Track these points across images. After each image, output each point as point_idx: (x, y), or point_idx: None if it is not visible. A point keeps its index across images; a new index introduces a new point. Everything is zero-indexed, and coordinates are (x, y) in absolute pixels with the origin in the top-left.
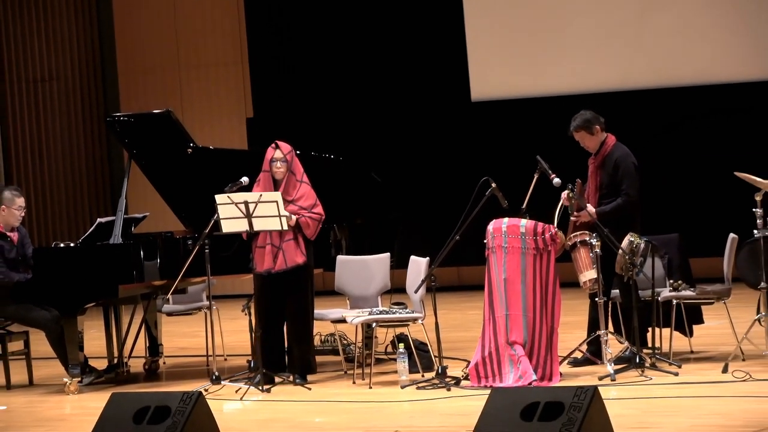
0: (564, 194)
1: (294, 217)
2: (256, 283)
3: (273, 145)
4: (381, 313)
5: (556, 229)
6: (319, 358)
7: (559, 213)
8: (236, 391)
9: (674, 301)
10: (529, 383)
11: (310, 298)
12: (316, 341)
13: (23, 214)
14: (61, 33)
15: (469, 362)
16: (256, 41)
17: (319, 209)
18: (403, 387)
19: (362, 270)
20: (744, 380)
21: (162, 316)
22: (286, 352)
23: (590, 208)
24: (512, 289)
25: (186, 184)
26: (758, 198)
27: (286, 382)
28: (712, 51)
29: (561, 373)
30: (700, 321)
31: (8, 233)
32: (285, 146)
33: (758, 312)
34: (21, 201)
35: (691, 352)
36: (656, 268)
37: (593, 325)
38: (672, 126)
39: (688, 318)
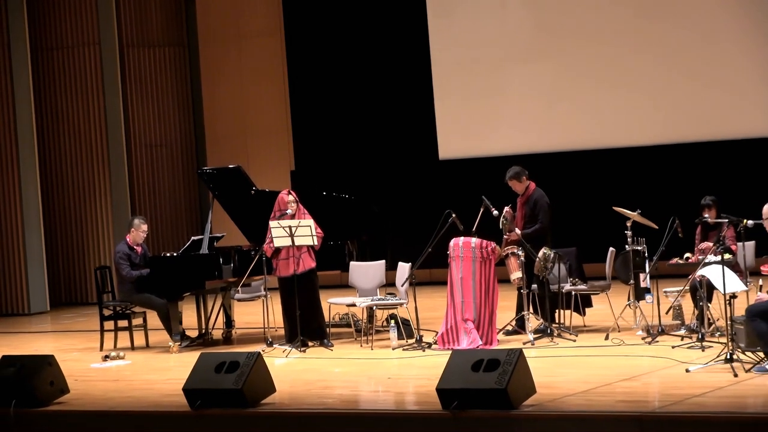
0: (506, 211)
1: None
2: (284, 283)
3: (286, 191)
4: (379, 300)
5: (495, 244)
6: (336, 330)
7: (504, 229)
8: (283, 351)
9: (573, 292)
10: (477, 347)
11: (317, 288)
12: (336, 319)
13: (145, 235)
14: (168, 112)
15: (437, 333)
16: (297, 116)
17: (320, 230)
18: (393, 349)
19: (366, 271)
20: (619, 345)
21: (234, 302)
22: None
23: (518, 230)
24: (466, 284)
25: (250, 214)
26: (629, 224)
27: (317, 345)
28: (611, 123)
29: (498, 340)
30: (590, 305)
31: (135, 247)
32: (293, 193)
33: (629, 300)
34: (145, 226)
35: (584, 326)
36: (561, 270)
37: (519, 308)
38: (574, 177)
39: (582, 303)
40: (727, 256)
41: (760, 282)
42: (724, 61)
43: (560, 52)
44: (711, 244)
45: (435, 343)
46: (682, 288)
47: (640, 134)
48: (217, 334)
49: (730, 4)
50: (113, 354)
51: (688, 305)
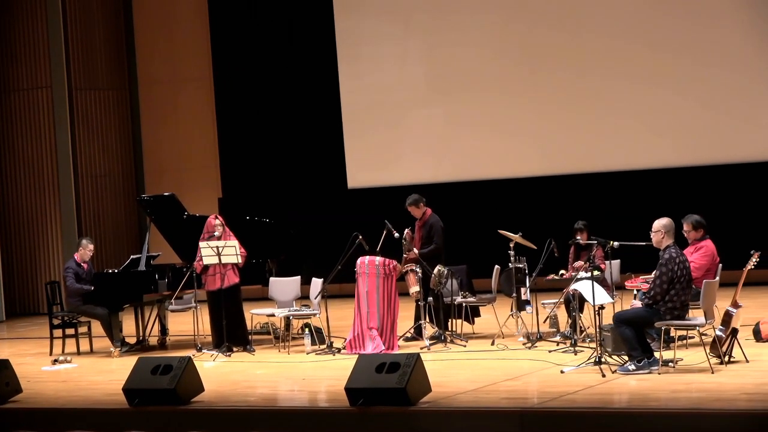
0: (406, 232)
1: None
2: (211, 296)
3: (214, 216)
4: (295, 310)
5: (396, 262)
6: (258, 337)
7: (403, 249)
8: (211, 356)
9: (463, 304)
10: (380, 351)
11: (241, 301)
12: (257, 327)
13: (92, 254)
14: (112, 147)
15: (346, 339)
16: (224, 150)
17: (243, 249)
18: (308, 353)
19: (284, 285)
20: (503, 350)
21: (168, 312)
22: (230, 332)
23: (416, 250)
24: (371, 297)
25: (182, 235)
26: (511, 245)
27: (241, 350)
28: (496, 157)
29: (399, 345)
30: (478, 315)
31: (83, 264)
32: (220, 217)
33: (511, 310)
34: (91, 246)
35: (473, 333)
36: (453, 284)
37: (417, 318)
38: (465, 203)
39: (471, 313)
40: (596, 272)
41: (634, 291)
42: (589, 103)
43: (450, 97)
44: (583, 262)
45: (344, 348)
46: (557, 300)
47: (519, 168)
48: (153, 340)
49: (608, 41)
50: (62, 358)
51: (562, 315)
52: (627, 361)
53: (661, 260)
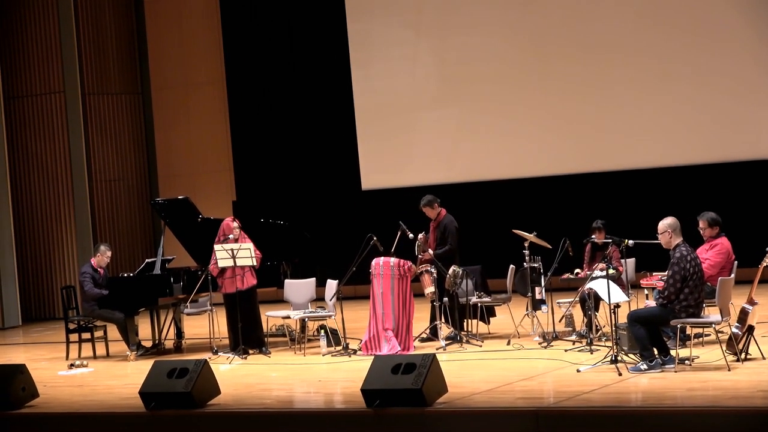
0: (420, 236)
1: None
2: (228, 299)
3: (231, 218)
4: (310, 312)
5: (411, 263)
6: (273, 339)
7: (418, 250)
8: (227, 359)
9: (479, 304)
10: (396, 352)
11: (257, 303)
12: (273, 329)
13: (109, 260)
14: (125, 151)
15: (361, 340)
16: (238, 153)
17: (258, 252)
18: (323, 355)
19: (299, 287)
20: (519, 349)
21: (183, 316)
22: (246, 335)
23: (430, 251)
24: (386, 298)
25: (197, 238)
26: (526, 244)
27: (257, 353)
28: (509, 157)
29: (414, 346)
30: (494, 315)
31: (99, 269)
32: (236, 220)
33: (527, 310)
34: (109, 253)
35: (489, 333)
36: (468, 285)
37: (432, 318)
38: (480, 203)
39: (487, 313)
40: (611, 271)
41: (645, 292)
42: (602, 102)
43: (463, 97)
44: (602, 264)
45: (359, 349)
46: (572, 299)
47: (533, 167)
48: (169, 344)
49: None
50: (78, 362)
51: (578, 314)
52: (640, 361)
53: (672, 259)
